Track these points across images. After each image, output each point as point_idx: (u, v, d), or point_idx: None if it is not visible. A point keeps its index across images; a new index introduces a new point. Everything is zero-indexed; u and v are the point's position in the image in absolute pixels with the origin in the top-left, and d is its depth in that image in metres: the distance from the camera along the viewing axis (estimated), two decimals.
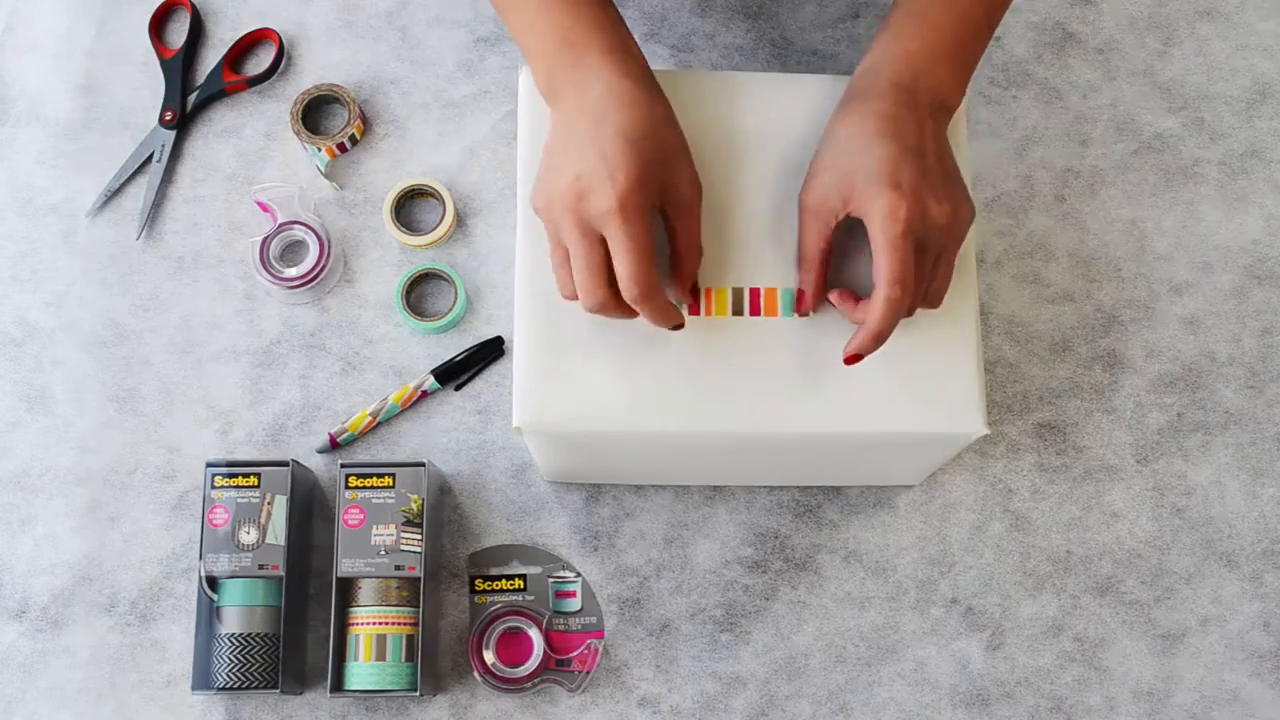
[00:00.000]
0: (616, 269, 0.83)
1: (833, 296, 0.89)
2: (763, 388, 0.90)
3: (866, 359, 0.90)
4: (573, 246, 0.84)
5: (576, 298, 0.86)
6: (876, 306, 0.84)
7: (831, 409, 0.90)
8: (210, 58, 1.17)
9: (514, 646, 1.05)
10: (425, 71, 1.17)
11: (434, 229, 1.11)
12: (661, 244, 0.89)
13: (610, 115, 0.84)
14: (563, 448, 0.94)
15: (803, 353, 0.90)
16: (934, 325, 0.91)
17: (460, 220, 1.13)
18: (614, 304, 0.85)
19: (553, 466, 1.02)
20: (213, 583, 1.03)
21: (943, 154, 0.86)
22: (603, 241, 0.83)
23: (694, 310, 0.91)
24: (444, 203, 1.11)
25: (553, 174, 0.85)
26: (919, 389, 0.90)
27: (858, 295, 0.89)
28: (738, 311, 0.91)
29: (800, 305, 0.90)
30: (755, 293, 0.91)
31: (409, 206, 1.13)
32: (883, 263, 0.83)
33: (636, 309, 0.85)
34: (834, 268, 0.91)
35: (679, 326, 0.87)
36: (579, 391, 0.89)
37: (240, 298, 1.12)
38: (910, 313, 0.88)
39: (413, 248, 1.12)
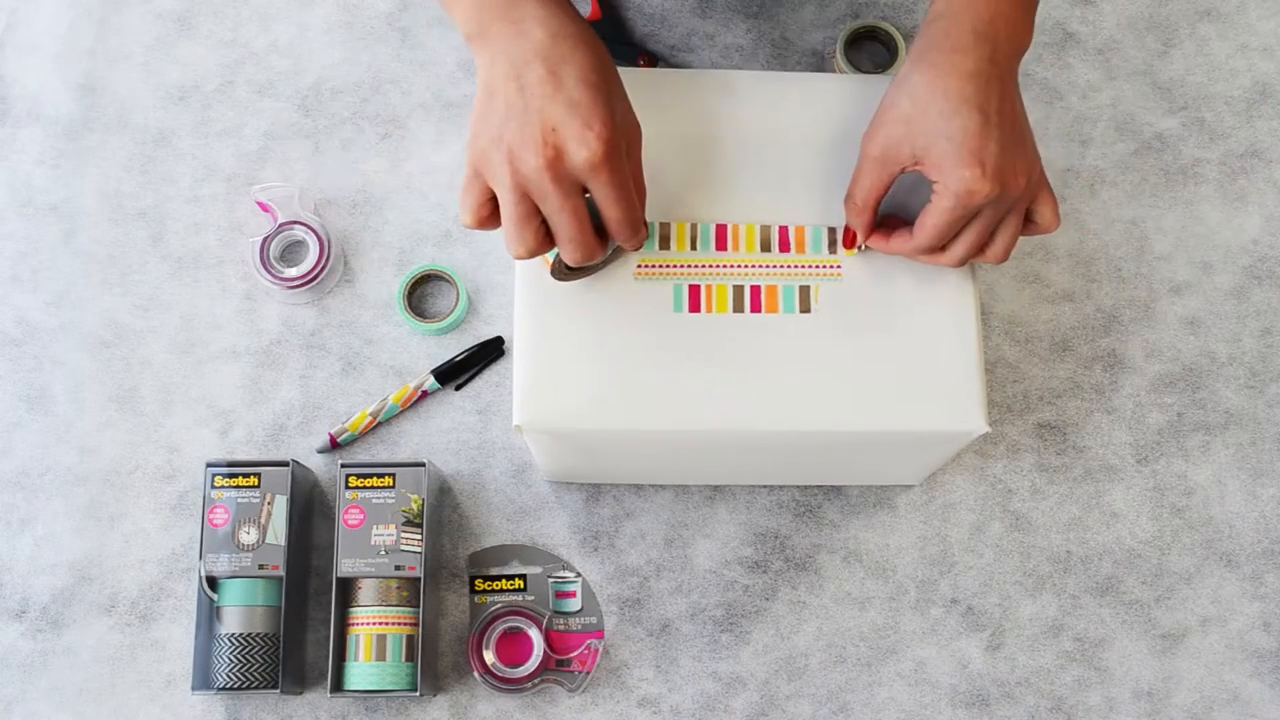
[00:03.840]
0: (609, 214, 0.81)
1: (873, 241, 0.90)
2: (763, 385, 0.90)
3: (867, 352, 0.90)
4: (552, 201, 0.80)
5: (536, 254, 0.83)
6: (901, 247, 0.87)
7: (832, 406, 0.89)
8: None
9: (514, 646, 1.05)
10: (425, 71, 1.17)
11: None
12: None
13: (567, 60, 0.79)
14: (563, 446, 0.94)
15: (803, 349, 0.90)
16: (935, 323, 0.91)
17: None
18: (600, 250, 0.84)
19: (553, 466, 1.02)
20: (213, 583, 1.03)
21: (1018, 114, 0.84)
22: (583, 191, 0.81)
23: (694, 307, 0.91)
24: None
25: (510, 128, 0.79)
26: (920, 387, 0.90)
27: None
28: (738, 308, 0.91)
29: (849, 242, 0.91)
30: (755, 289, 0.91)
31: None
32: (929, 224, 0.84)
33: (632, 245, 0.84)
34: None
35: (640, 246, 0.86)
36: (579, 390, 0.89)
37: (240, 298, 1.12)
38: (962, 263, 0.88)
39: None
